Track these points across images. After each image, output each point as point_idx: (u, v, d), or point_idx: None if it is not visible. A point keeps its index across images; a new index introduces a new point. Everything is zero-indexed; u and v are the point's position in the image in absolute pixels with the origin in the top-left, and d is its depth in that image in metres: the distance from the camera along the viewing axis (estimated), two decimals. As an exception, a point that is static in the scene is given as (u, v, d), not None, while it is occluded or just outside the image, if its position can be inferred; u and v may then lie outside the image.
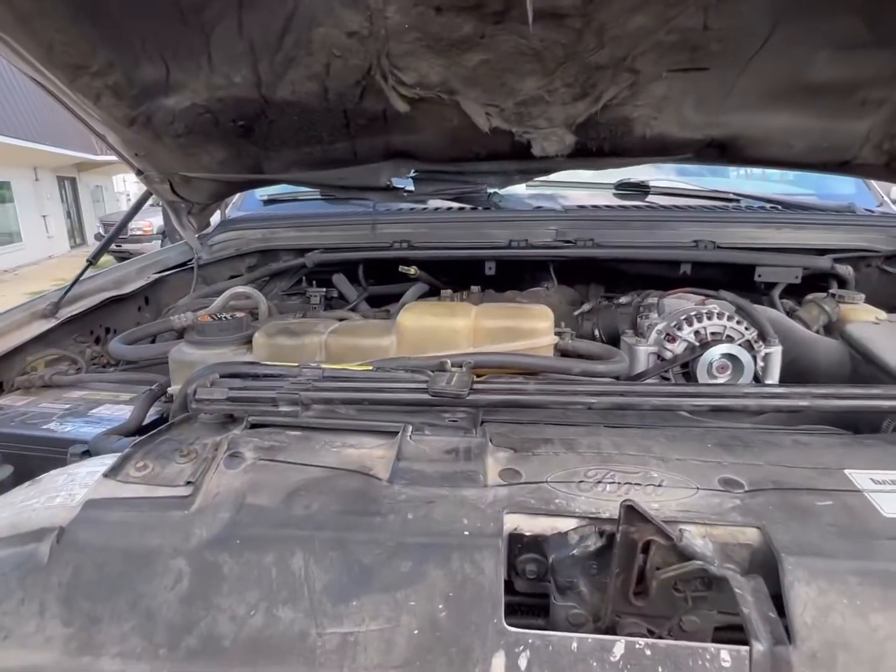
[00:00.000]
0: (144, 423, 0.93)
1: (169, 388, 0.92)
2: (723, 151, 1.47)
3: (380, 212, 1.81)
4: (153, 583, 0.54)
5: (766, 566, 0.52)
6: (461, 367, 0.74)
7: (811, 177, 1.86)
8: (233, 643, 0.50)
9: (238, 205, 2.10)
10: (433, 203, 1.90)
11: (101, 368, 1.43)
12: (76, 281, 1.54)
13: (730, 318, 1.09)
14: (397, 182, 1.62)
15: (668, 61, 1.20)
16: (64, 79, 1.20)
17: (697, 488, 0.58)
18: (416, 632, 0.49)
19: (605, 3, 1.08)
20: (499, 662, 0.47)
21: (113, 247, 12.86)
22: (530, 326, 0.84)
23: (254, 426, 0.70)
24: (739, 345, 1.08)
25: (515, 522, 0.56)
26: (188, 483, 0.62)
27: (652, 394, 0.69)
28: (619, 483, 0.59)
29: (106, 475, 0.64)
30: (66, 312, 1.45)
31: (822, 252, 1.60)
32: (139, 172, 1.57)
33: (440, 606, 0.50)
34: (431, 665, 0.48)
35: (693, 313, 1.11)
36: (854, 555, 0.52)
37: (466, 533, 0.54)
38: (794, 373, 1.26)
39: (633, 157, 1.49)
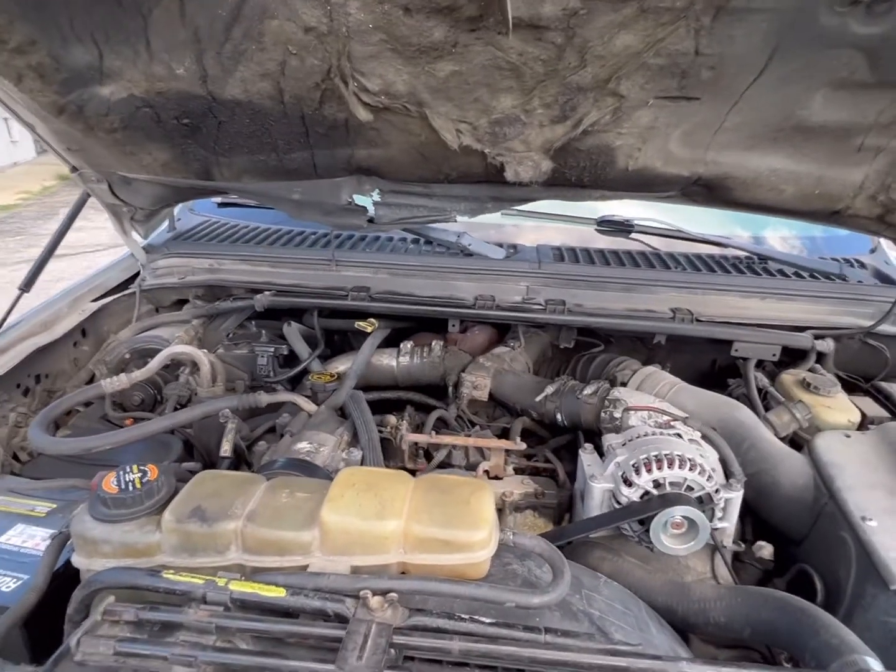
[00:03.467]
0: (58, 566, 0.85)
1: (73, 559, 0.80)
2: (709, 192, 1.38)
3: (339, 249, 1.66)
4: None
5: None
6: (384, 596, 0.66)
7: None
8: None
9: (190, 206, 1.95)
10: (397, 235, 1.77)
11: (24, 440, 1.26)
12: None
13: (692, 468, 0.98)
14: (360, 202, 1.49)
15: (655, 87, 1.10)
16: (-24, 54, 1.06)
17: None
18: None
19: (589, 17, 0.98)
20: None
21: None
22: (466, 540, 0.74)
23: None
24: (699, 497, 0.99)
25: None
26: None
27: (584, 666, 0.63)
28: None
29: None
30: None
31: (804, 326, 1.51)
32: (73, 169, 1.43)
33: None
34: None
35: (654, 455, 1.00)
36: None
37: None
38: (756, 487, 1.17)
39: (615, 190, 1.38)
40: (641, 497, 0.99)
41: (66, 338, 1.50)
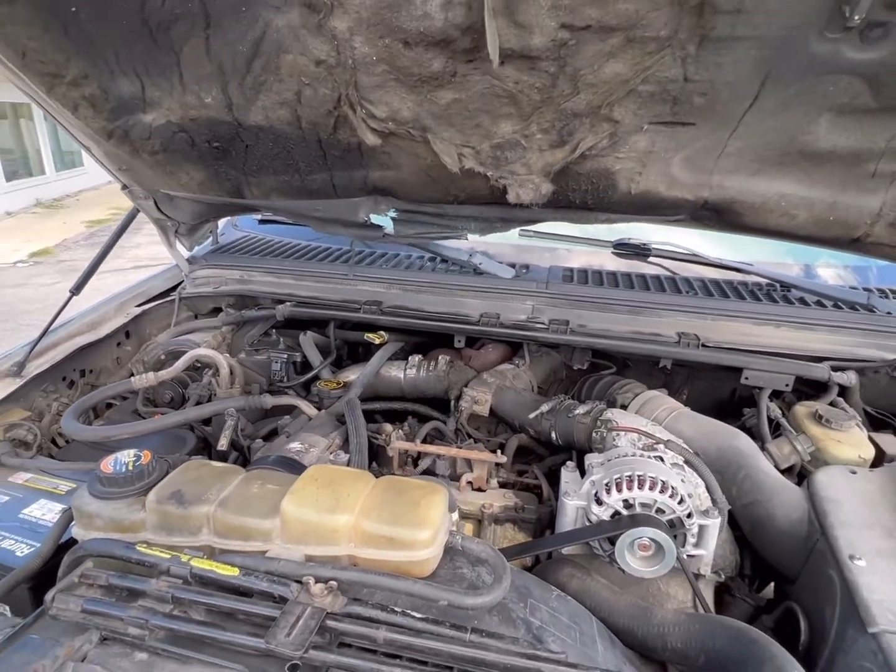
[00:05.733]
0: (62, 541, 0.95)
1: (73, 529, 0.91)
2: (719, 216, 1.36)
3: (357, 266, 1.75)
4: None
5: None
6: (325, 583, 0.72)
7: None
8: None
9: (234, 222, 2.11)
10: (414, 252, 1.84)
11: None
12: (49, 326, 1.51)
13: (663, 490, 0.98)
14: (377, 220, 1.57)
15: (648, 112, 1.12)
16: (42, 87, 1.23)
17: None
18: None
19: (578, 47, 1.02)
20: None
21: None
22: (410, 538, 0.79)
23: (106, 638, 0.71)
24: (670, 520, 0.98)
25: None
26: None
27: (500, 667, 0.65)
28: None
29: None
30: (34, 367, 1.43)
31: (822, 358, 1.44)
32: (124, 187, 1.59)
33: None
34: None
35: (626, 475, 1.00)
36: None
37: None
38: (750, 518, 1.14)
39: (620, 213, 1.40)
40: (612, 516, 0.99)
41: (110, 338, 1.65)
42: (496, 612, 0.77)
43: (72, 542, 0.98)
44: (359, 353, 1.86)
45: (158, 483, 0.89)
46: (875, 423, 1.50)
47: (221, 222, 2.04)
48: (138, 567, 0.77)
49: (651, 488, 0.96)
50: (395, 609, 0.70)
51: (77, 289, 1.54)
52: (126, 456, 0.91)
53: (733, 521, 1.18)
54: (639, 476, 0.97)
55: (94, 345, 1.58)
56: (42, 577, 0.93)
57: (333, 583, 0.72)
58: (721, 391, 1.68)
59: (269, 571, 0.75)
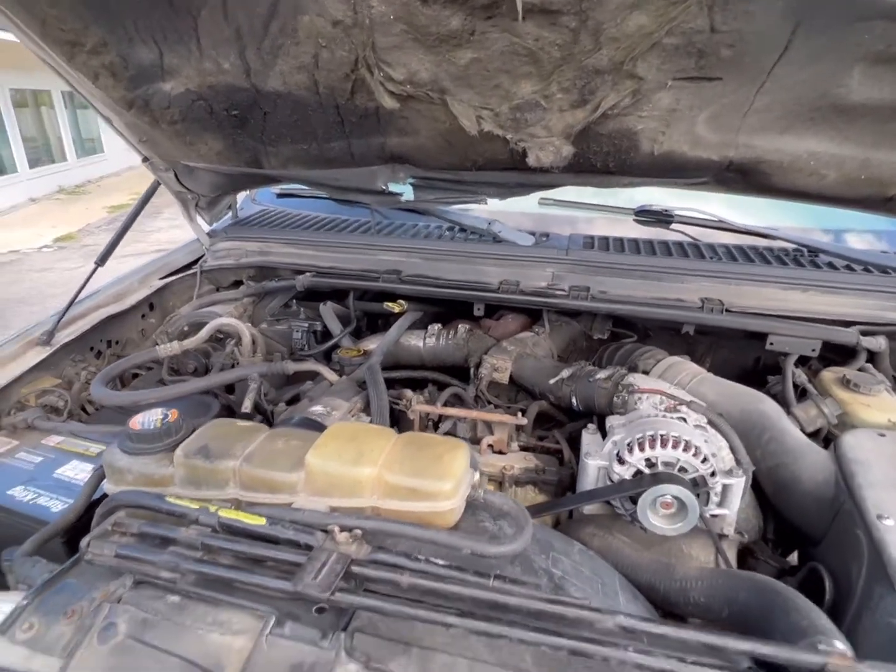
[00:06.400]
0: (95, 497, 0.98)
1: (104, 484, 0.94)
2: (744, 178, 1.33)
3: (377, 235, 1.75)
4: None
5: None
6: (350, 531, 0.73)
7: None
8: None
9: (252, 196, 2.12)
10: (433, 222, 1.83)
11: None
12: (76, 296, 1.54)
13: (686, 448, 0.97)
14: (394, 188, 1.57)
15: (672, 67, 1.09)
16: (63, 56, 1.23)
17: None
18: None
19: (600, 0, 0.99)
20: None
21: None
22: (432, 489, 0.80)
23: (139, 582, 0.73)
24: (693, 478, 0.97)
25: None
26: (61, 656, 0.65)
27: (523, 610, 0.66)
28: None
29: None
30: (63, 336, 1.47)
31: (851, 322, 1.41)
32: (145, 159, 1.60)
33: None
34: None
35: (649, 434, 0.99)
36: None
37: None
38: (775, 481, 1.13)
39: (642, 176, 1.37)
40: (634, 475, 0.98)
41: (135, 309, 1.68)
42: (518, 563, 0.78)
43: (103, 498, 1.02)
44: (378, 325, 1.87)
45: (186, 439, 0.91)
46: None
47: (240, 197, 2.05)
48: (168, 517, 0.79)
49: (674, 447, 0.95)
50: (419, 557, 0.71)
51: (102, 260, 1.56)
52: (154, 414, 0.93)
53: (756, 486, 1.17)
54: (661, 435, 0.97)
55: (120, 316, 1.61)
56: (75, 532, 0.96)
57: (358, 531, 0.73)
58: (745, 360, 1.65)
59: (295, 521, 0.76)
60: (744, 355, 1.65)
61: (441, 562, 0.71)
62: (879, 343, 1.38)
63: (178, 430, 0.92)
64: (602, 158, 1.33)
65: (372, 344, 1.55)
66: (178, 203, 1.78)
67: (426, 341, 1.55)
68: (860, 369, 1.39)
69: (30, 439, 1.21)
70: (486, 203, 1.50)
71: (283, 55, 1.21)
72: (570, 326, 1.65)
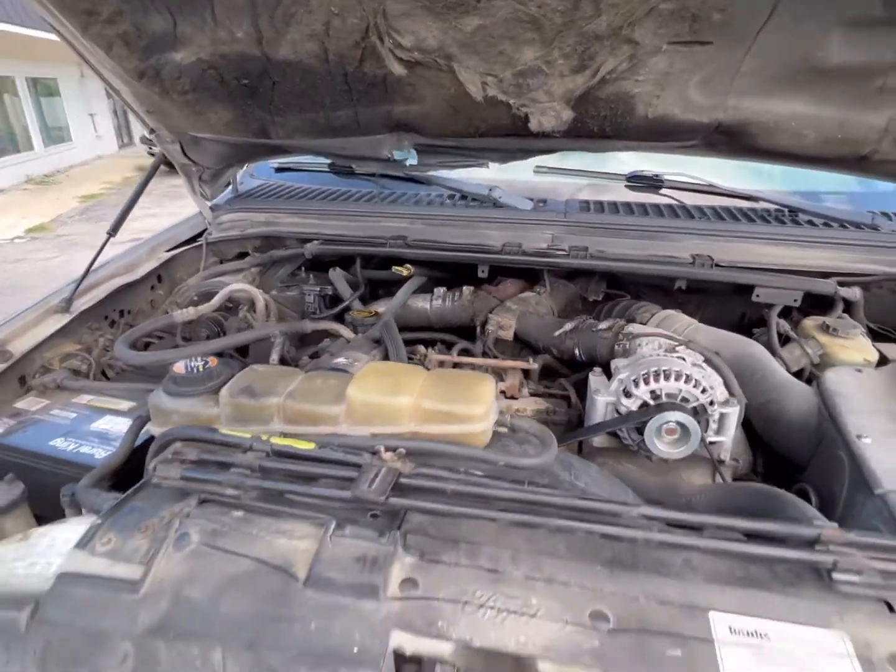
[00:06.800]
0: (136, 444, 1.04)
1: (149, 427, 1.01)
2: (731, 139, 1.42)
3: (381, 203, 1.81)
4: (106, 660, 0.64)
5: None
6: (394, 451, 0.80)
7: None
8: None
9: (251, 171, 2.15)
10: (434, 191, 1.89)
11: (112, 358, 1.50)
12: (91, 265, 1.58)
13: (687, 380, 1.07)
14: (399, 156, 1.62)
15: (667, 32, 1.16)
16: (78, 26, 1.26)
17: (567, 622, 0.64)
18: None
19: (601, -33, 1.06)
20: None
21: (146, 149, 13.14)
22: (466, 413, 0.88)
23: (204, 501, 0.79)
24: (693, 408, 1.06)
25: (400, 641, 0.64)
26: (141, 563, 0.71)
27: (555, 505, 0.74)
28: (498, 610, 0.65)
29: (77, 546, 0.74)
30: (80, 304, 1.51)
31: (829, 274, 1.52)
32: (151, 131, 1.63)
33: None
34: None
35: (653, 370, 1.08)
36: None
37: (356, 650, 0.62)
38: (764, 416, 1.23)
39: (637, 140, 1.45)
40: (640, 408, 1.08)
41: (144, 280, 1.72)
42: (546, 476, 0.86)
43: (146, 445, 1.07)
44: (379, 295, 1.93)
45: (228, 382, 0.97)
46: (877, 339, 1.58)
47: (240, 172, 2.08)
48: (221, 449, 0.86)
49: (676, 379, 1.05)
50: (459, 469, 0.79)
51: (114, 230, 1.59)
52: (195, 360, 0.99)
53: (746, 425, 1.28)
54: (664, 370, 1.06)
55: (132, 286, 1.65)
56: (118, 479, 1.02)
57: (402, 450, 0.81)
58: (731, 315, 1.76)
59: (343, 444, 0.83)
60: (730, 312, 1.76)
61: (479, 472, 0.79)
62: (855, 293, 1.49)
63: (219, 374, 0.98)
64: (599, 123, 1.40)
65: (381, 307, 1.62)
66: (182, 176, 1.81)
67: (433, 303, 1.62)
68: (838, 318, 1.51)
69: (60, 398, 1.26)
70: (487, 167, 1.56)
71: (296, 23, 1.26)
72: (567, 288, 1.74)
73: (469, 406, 0.86)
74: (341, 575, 0.68)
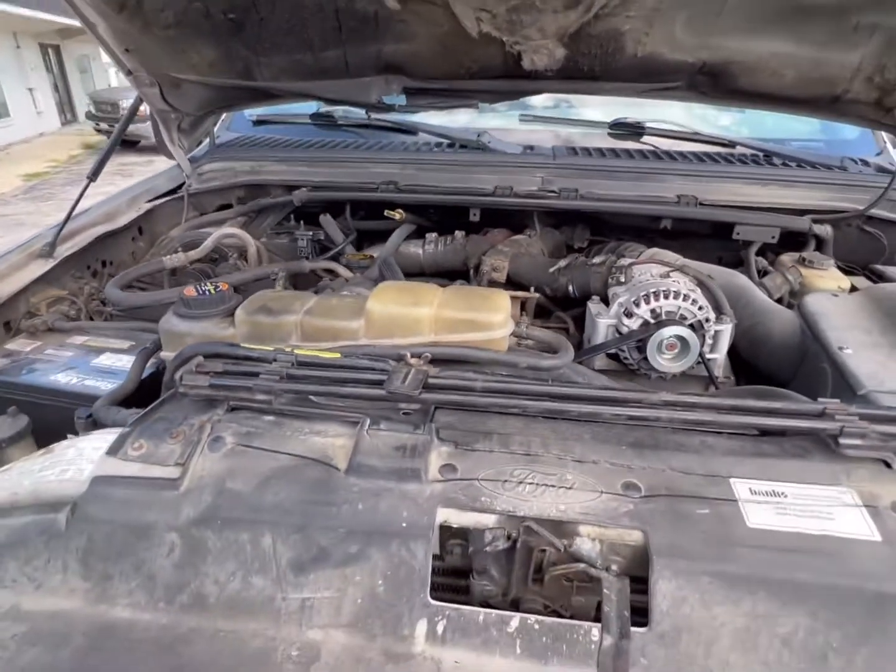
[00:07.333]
0: (143, 376, 1.02)
1: (161, 353, 0.99)
2: (714, 80, 1.47)
3: (370, 150, 1.80)
4: (152, 551, 0.65)
5: (644, 563, 0.62)
6: (419, 357, 0.82)
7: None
8: (216, 601, 0.62)
9: (227, 124, 2.09)
10: (422, 139, 1.89)
11: (100, 305, 1.46)
12: (72, 211, 1.52)
13: (685, 298, 1.12)
14: (388, 101, 1.61)
15: (659, -36, 1.19)
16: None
17: (602, 492, 0.67)
18: (359, 600, 0.61)
19: None
20: (422, 628, 0.59)
21: (93, 126, 12.47)
22: (486, 320, 0.90)
23: (233, 409, 0.79)
24: (691, 324, 1.11)
25: (446, 515, 0.66)
26: (177, 464, 0.71)
27: (580, 397, 0.76)
28: (537, 484, 0.68)
29: (108, 453, 0.73)
30: (63, 251, 1.46)
31: (803, 212, 1.60)
32: (129, 73, 1.57)
33: (379, 582, 0.62)
34: (370, 627, 0.60)
35: (651, 290, 1.13)
36: (710, 559, 0.61)
37: (404, 524, 0.64)
38: (750, 339, 1.31)
39: (625, 81, 1.48)
40: (640, 326, 1.12)
41: (126, 231, 1.67)
42: (563, 379, 0.90)
43: (152, 378, 1.06)
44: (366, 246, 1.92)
45: (241, 304, 0.96)
46: (845, 275, 1.68)
47: (217, 125, 2.02)
48: (244, 363, 0.86)
49: (675, 298, 1.10)
50: (485, 371, 0.82)
51: (94, 175, 1.54)
52: (207, 284, 0.98)
53: (730, 350, 1.35)
54: (663, 290, 1.11)
55: (113, 235, 1.60)
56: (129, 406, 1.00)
57: (427, 355, 0.83)
58: (709, 259, 1.82)
59: (367, 354, 0.84)
60: (709, 255, 1.83)
61: (504, 372, 0.82)
62: (826, 230, 1.58)
63: (230, 297, 0.98)
64: (590, 61, 1.43)
65: (374, 253, 1.62)
66: (160, 124, 1.75)
67: (425, 248, 1.63)
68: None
69: (53, 340, 1.22)
70: (477, 108, 1.57)
71: (288, -48, 1.23)
72: (554, 234, 1.77)
73: (489, 314, 0.88)
74: (382, 462, 0.70)
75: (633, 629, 0.58)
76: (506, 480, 0.69)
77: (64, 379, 1.06)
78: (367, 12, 1.36)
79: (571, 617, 0.63)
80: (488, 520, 0.66)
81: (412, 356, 0.82)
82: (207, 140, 2.02)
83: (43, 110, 15.79)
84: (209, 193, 1.83)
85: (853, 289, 1.43)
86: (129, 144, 11.11)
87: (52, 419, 1.01)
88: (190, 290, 0.96)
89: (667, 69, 1.44)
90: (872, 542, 0.62)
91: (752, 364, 1.33)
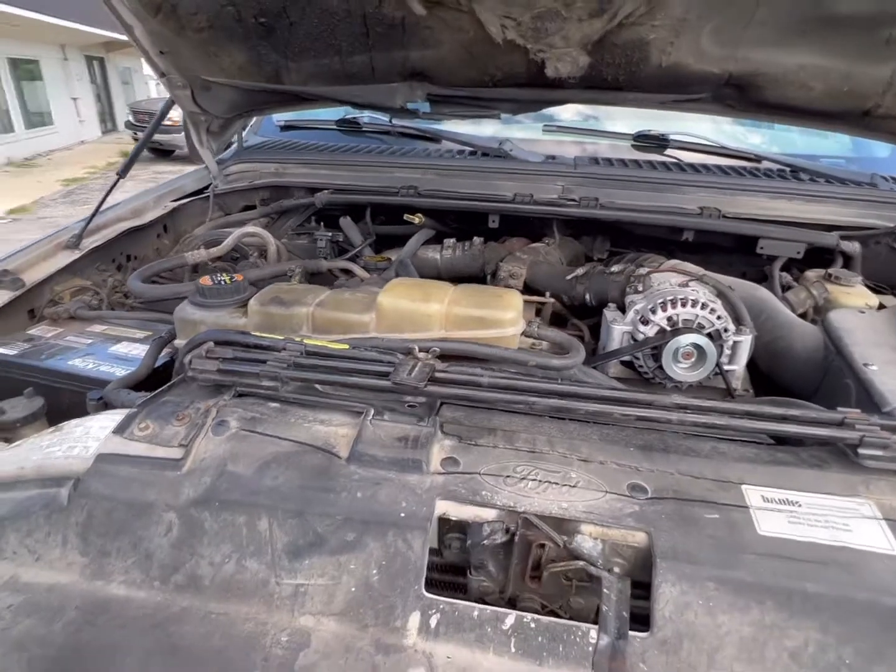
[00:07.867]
0: (156, 365, 1.04)
1: (175, 341, 1.01)
2: (741, 93, 1.45)
3: (392, 156, 1.82)
4: (150, 530, 0.65)
5: (647, 567, 0.60)
6: (427, 352, 0.81)
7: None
8: (210, 583, 0.62)
9: (256, 129, 2.14)
10: (444, 146, 1.91)
11: (122, 297, 1.49)
12: (100, 205, 1.57)
13: (703, 307, 1.10)
14: (412, 106, 1.63)
15: (686, -26, 1.19)
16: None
17: (606, 492, 0.65)
18: (353, 589, 0.60)
19: None
20: (414, 620, 0.57)
21: (131, 135, 12.78)
22: (497, 317, 0.90)
23: (240, 395, 0.80)
24: (709, 333, 1.09)
25: (445, 508, 0.65)
26: (181, 445, 0.72)
27: (589, 396, 0.75)
28: (539, 481, 0.66)
29: (114, 432, 0.74)
30: (89, 243, 1.50)
31: (831, 228, 1.56)
32: (162, 74, 1.62)
33: (374, 572, 0.60)
34: (362, 616, 0.58)
35: (669, 298, 1.11)
36: (717, 564, 0.58)
37: (402, 515, 0.63)
38: (771, 352, 1.27)
39: (649, 91, 1.48)
40: (656, 334, 1.10)
41: (151, 227, 1.70)
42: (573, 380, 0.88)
43: (165, 366, 1.07)
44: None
45: (255, 295, 0.97)
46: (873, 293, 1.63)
47: (246, 129, 2.07)
48: (255, 351, 0.86)
49: (693, 306, 1.08)
50: (492, 368, 0.81)
51: (123, 172, 1.58)
52: (222, 275, 0.99)
53: (749, 363, 1.31)
54: (681, 298, 1.09)
55: (139, 230, 1.64)
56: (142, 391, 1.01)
57: (435, 349, 0.82)
58: (732, 274, 1.80)
59: (375, 346, 0.84)
60: (731, 270, 1.79)
61: (512, 370, 0.80)
62: (854, 247, 1.54)
63: (245, 288, 0.99)
64: (614, 70, 1.43)
65: (392, 256, 1.63)
66: (190, 126, 1.79)
67: (443, 253, 1.63)
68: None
69: (74, 327, 1.25)
70: (499, 118, 1.58)
71: (318, -42, 1.26)
72: (573, 244, 1.76)
73: (501, 311, 0.88)
74: (383, 452, 0.69)
75: (634, 634, 0.56)
76: (508, 476, 0.67)
77: (81, 364, 1.08)
78: (395, 18, 1.38)
79: (570, 619, 0.61)
80: (488, 514, 0.65)
81: (420, 350, 0.82)
82: (235, 143, 2.07)
83: (85, 119, 16.39)
84: (234, 194, 1.87)
85: (881, 307, 1.38)
86: (163, 154, 11.51)
87: (67, 402, 1.03)
88: (206, 280, 0.98)
89: (692, 80, 1.43)
90: (891, 556, 0.59)
91: (772, 378, 1.29)
